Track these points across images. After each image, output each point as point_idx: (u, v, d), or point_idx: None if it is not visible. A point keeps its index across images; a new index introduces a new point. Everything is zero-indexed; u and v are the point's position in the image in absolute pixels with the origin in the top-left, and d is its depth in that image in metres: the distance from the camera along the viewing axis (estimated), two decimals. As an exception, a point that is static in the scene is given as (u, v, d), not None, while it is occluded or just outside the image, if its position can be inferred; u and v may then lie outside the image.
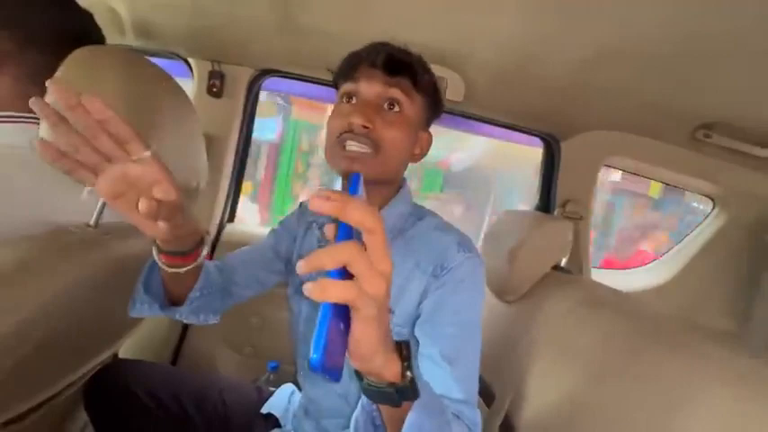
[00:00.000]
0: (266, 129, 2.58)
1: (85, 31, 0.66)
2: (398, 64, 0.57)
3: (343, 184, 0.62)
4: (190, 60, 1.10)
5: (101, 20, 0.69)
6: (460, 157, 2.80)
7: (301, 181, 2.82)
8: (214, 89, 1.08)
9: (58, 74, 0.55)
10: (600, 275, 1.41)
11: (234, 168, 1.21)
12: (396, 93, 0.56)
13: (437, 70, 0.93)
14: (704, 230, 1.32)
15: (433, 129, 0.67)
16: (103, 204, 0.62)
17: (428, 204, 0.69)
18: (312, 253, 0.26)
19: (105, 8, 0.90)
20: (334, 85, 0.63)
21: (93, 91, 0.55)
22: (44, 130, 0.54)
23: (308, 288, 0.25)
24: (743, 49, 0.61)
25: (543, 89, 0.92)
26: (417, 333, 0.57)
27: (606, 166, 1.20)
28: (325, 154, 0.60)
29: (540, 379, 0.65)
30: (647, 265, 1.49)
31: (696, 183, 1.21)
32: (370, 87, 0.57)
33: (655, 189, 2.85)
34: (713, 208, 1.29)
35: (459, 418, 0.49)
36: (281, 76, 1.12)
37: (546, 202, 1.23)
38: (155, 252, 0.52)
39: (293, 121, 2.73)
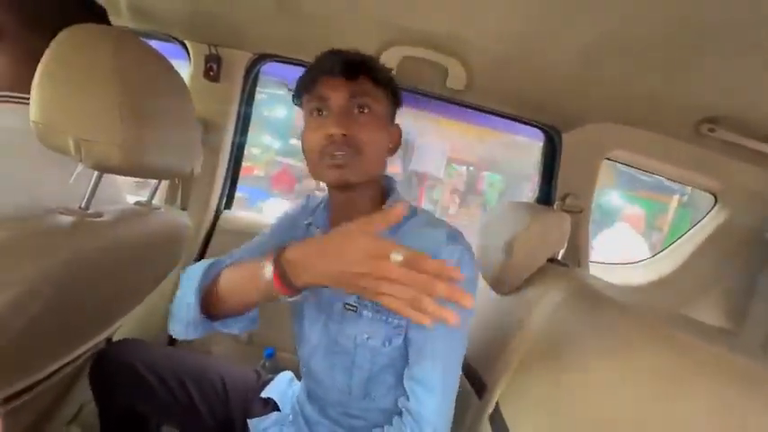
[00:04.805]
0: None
1: (87, 12, 0.65)
2: (357, 67, 0.58)
3: (330, 194, 0.66)
4: (186, 43, 1.08)
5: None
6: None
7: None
8: (211, 73, 1.06)
9: (48, 51, 0.53)
10: (599, 269, 1.41)
11: (231, 154, 1.19)
12: (362, 96, 0.59)
13: (437, 58, 0.93)
14: (705, 226, 1.31)
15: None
16: (95, 188, 0.61)
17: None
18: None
19: (100, -13, 0.88)
20: (297, 102, 0.64)
21: (86, 72, 0.54)
22: (33, 111, 0.54)
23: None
24: (749, 42, 0.59)
25: (545, 79, 0.91)
26: (410, 323, 0.60)
27: (608, 159, 1.19)
28: (310, 169, 0.62)
29: (531, 370, 0.66)
30: (647, 260, 1.49)
31: (698, 178, 1.19)
32: (337, 96, 0.58)
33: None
34: (715, 203, 1.28)
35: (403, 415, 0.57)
36: (280, 61, 1.10)
37: (547, 195, 1.21)
38: (267, 281, 0.49)
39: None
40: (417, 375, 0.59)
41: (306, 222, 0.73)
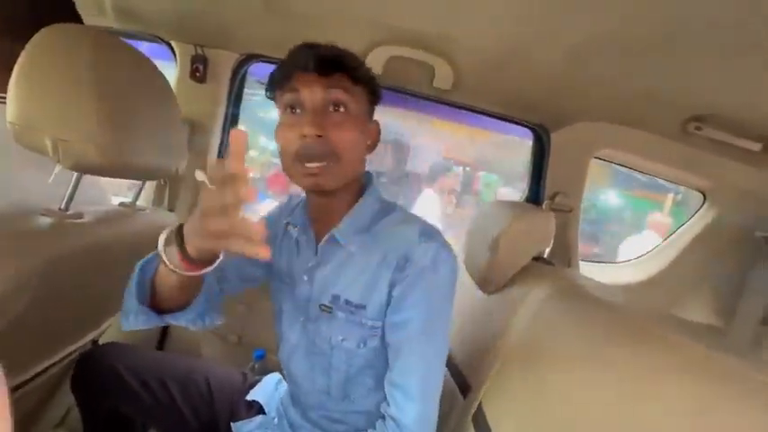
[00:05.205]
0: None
1: (60, 10, 0.64)
2: (331, 63, 0.55)
3: (307, 194, 0.65)
4: (172, 44, 1.07)
5: (80, -1, 0.67)
6: None
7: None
8: (197, 74, 1.06)
9: (25, 51, 0.53)
10: (589, 268, 1.41)
11: (219, 155, 1.19)
12: (337, 93, 0.56)
13: (424, 57, 0.93)
14: (694, 225, 1.32)
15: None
16: (74, 189, 0.61)
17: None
18: None
19: (84, -13, 0.87)
20: (271, 96, 0.61)
21: (62, 72, 0.54)
22: (10, 111, 0.53)
23: None
24: (736, 41, 0.59)
25: (532, 78, 0.91)
26: (386, 326, 0.59)
27: (596, 158, 1.19)
28: (284, 168, 0.59)
29: (514, 369, 0.65)
30: (636, 259, 1.49)
31: (687, 176, 1.20)
32: (311, 94, 0.55)
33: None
34: (704, 202, 1.29)
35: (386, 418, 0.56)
36: (267, 62, 1.09)
37: (536, 194, 1.22)
38: (166, 260, 0.47)
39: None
40: (396, 381, 0.57)
41: (285, 222, 0.72)
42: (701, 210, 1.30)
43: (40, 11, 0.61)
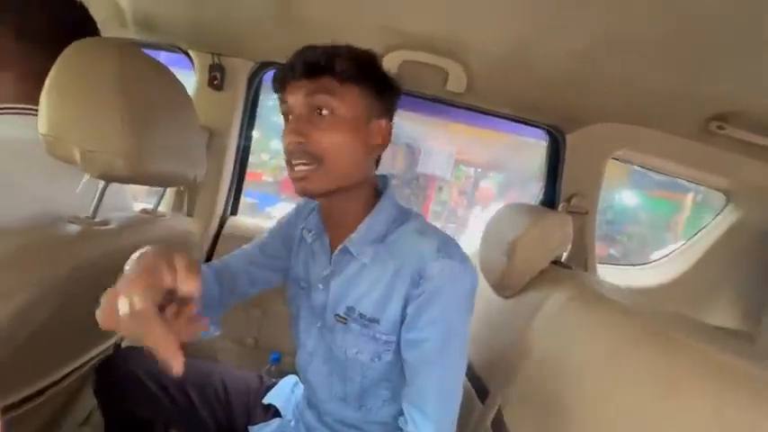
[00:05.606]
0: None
1: (81, 23, 0.67)
2: (315, 66, 0.54)
3: (320, 202, 0.64)
4: (191, 53, 1.10)
5: (103, 12, 0.70)
6: None
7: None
8: (215, 82, 1.08)
9: (55, 65, 0.55)
10: (608, 271, 1.38)
11: (236, 160, 1.21)
12: (319, 98, 0.54)
13: (437, 61, 0.93)
14: (717, 226, 1.28)
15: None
16: (101, 197, 0.63)
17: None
18: None
19: (108, 1, 0.90)
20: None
21: (90, 84, 0.56)
22: (41, 124, 0.56)
23: None
24: (758, 36, 0.57)
25: (546, 80, 0.90)
26: (401, 342, 0.58)
27: (614, 159, 1.17)
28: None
29: (533, 374, 0.65)
30: (657, 261, 1.46)
31: (709, 177, 1.17)
32: (296, 100, 0.55)
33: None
34: (726, 203, 1.25)
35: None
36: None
37: (551, 197, 1.20)
38: None
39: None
40: (413, 398, 0.56)
41: (301, 226, 0.72)
42: (724, 211, 1.26)
43: (68, 27, 0.63)
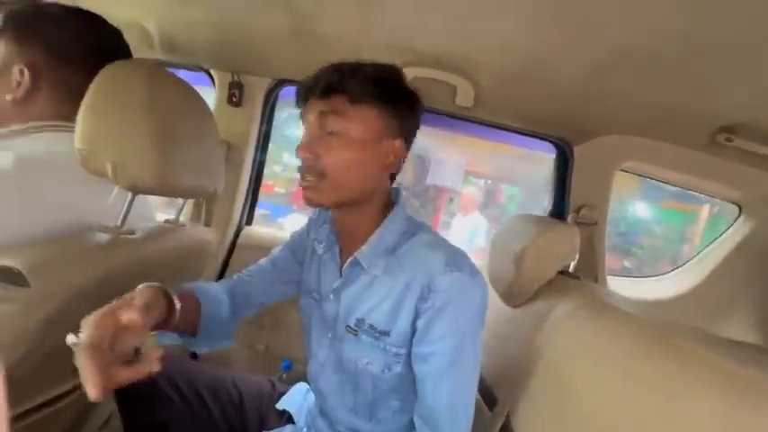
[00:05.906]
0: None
1: (115, 47, 0.72)
2: (329, 86, 0.56)
3: (333, 213, 0.67)
4: (212, 71, 1.16)
5: (133, 36, 0.75)
6: None
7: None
8: (234, 98, 1.14)
9: (92, 85, 0.60)
10: (620, 284, 1.37)
11: (252, 173, 1.26)
12: (329, 119, 0.56)
13: (446, 77, 0.96)
14: (729, 238, 1.27)
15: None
16: (129, 207, 0.67)
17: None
18: None
19: (137, 26, 0.97)
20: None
21: (123, 103, 0.61)
22: (77, 139, 0.60)
23: None
24: (765, 49, 0.58)
25: (553, 93, 0.91)
26: (412, 355, 0.59)
27: (622, 170, 1.18)
28: None
29: (541, 383, 0.65)
30: (670, 273, 1.44)
31: (720, 188, 1.16)
32: (310, 118, 0.58)
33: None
34: (739, 214, 1.24)
35: None
36: (297, 85, 1.16)
37: (560, 208, 1.21)
38: None
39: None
40: (425, 415, 0.56)
41: (313, 237, 0.74)
42: (737, 222, 1.25)
43: (102, 51, 0.68)
